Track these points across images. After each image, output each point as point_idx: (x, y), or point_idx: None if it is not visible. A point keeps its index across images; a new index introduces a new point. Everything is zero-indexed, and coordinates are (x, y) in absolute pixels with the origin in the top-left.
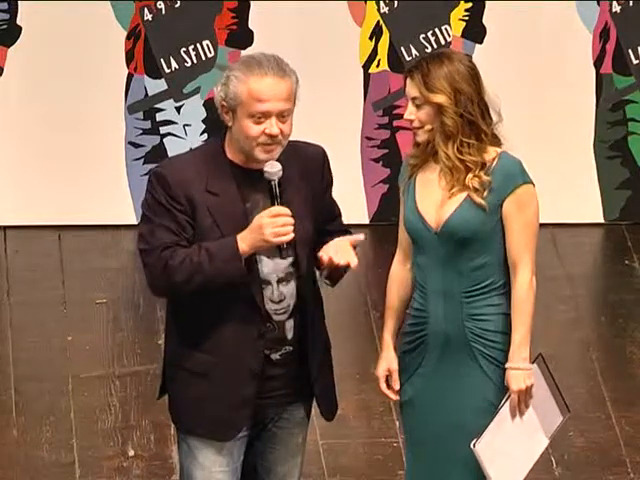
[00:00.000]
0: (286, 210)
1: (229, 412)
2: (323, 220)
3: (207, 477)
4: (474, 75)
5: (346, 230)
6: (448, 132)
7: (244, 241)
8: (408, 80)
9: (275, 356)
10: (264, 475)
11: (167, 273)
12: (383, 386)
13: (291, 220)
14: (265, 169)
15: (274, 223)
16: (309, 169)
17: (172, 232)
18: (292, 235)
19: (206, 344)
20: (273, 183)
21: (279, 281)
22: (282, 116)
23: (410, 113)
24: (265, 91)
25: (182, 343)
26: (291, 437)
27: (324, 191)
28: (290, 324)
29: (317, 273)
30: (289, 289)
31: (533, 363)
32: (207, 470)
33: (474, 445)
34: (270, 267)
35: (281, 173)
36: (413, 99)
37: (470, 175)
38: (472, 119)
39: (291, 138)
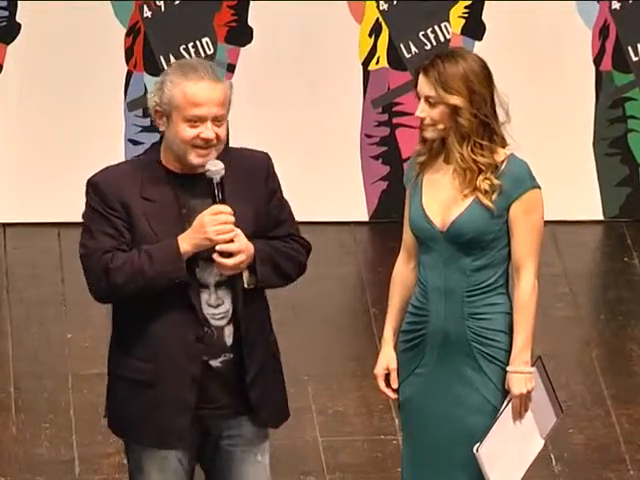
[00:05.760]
0: (227, 208)
1: (173, 419)
2: (266, 227)
3: None
4: (487, 75)
5: (289, 234)
6: (464, 133)
7: (185, 241)
8: (422, 77)
9: (215, 363)
10: None
11: (108, 276)
12: (382, 384)
13: (232, 218)
14: (207, 167)
15: (216, 221)
16: (252, 175)
17: (111, 236)
18: (234, 233)
19: (145, 351)
20: (215, 181)
21: (217, 285)
22: (217, 121)
23: (422, 111)
24: (201, 95)
25: (120, 351)
26: (246, 455)
27: (268, 198)
28: (230, 330)
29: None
30: (228, 294)
31: (532, 366)
32: None
33: (477, 450)
34: (208, 271)
35: (223, 172)
36: (427, 97)
37: (481, 177)
38: (486, 120)
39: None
